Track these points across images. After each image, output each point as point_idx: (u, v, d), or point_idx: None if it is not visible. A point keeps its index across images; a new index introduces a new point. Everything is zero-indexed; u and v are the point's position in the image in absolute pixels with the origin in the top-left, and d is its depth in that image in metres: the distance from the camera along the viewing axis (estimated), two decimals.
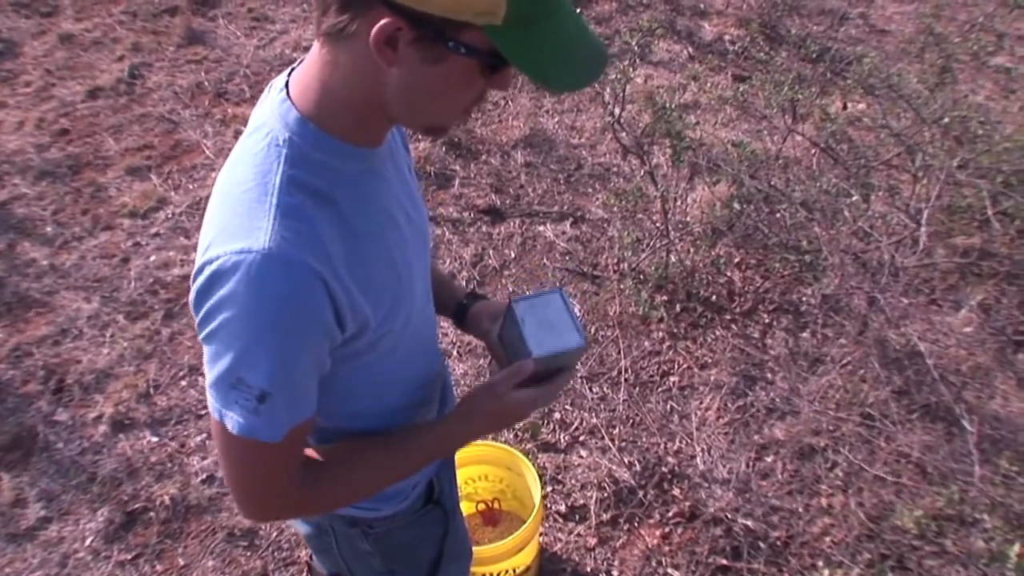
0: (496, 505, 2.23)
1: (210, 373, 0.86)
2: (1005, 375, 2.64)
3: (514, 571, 1.98)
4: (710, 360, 2.75)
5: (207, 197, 0.90)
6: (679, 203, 3.22)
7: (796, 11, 4.79)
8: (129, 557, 2.25)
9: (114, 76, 4.17)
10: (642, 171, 3.36)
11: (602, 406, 2.62)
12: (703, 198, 3.26)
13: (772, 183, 3.02)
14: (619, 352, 2.77)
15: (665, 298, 2.94)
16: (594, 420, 2.57)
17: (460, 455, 2.06)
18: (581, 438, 2.53)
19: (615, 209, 3.27)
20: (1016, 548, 2.01)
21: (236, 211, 0.84)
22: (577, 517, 2.33)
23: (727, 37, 4.56)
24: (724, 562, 2.19)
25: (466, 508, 2.19)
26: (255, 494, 0.95)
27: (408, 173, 1.08)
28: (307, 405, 0.91)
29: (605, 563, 2.22)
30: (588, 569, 2.21)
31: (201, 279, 0.83)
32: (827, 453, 2.44)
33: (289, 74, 0.90)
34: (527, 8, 0.75)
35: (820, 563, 2.17)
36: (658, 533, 2.26)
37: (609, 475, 2.40)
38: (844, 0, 4.89)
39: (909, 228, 2.83)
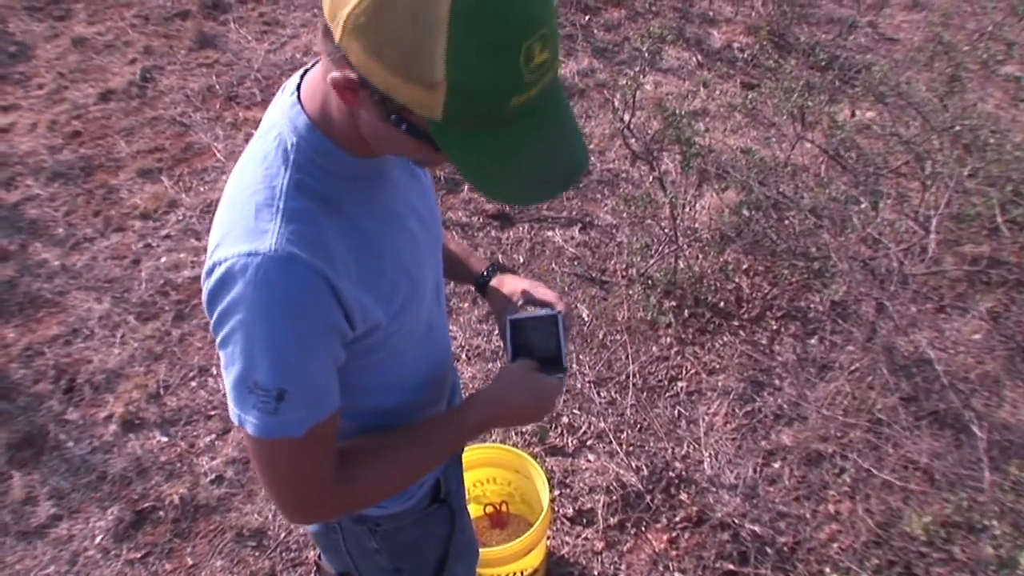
0: (504, 508, 2.23)
1: (228, 379, 0.88)
2: (1014, 383, 2.63)
3: (521, 574, 1.98)
4: (718, 366, 2.76)
5: (217, 200, 0.92)
6: (688, 209, 3.23)
7: (805, 19, 4.80)
8: (138, 556, 2.26)
9: (126, 79, 4.20)
10: (651, 177, 3.36)
11: (610, 410, 2.62)
12: (712, 204, 3.27)
13: (781, 190, 3.02)
14: (627, 357, 2.77)
15: (673, 304, 2.94)
16: (602, 424, 2.57)
17: (468, 457, 2.07)
18: (589, 442, 2.53)
19: (624, 215, 3.28)
20: None
21: (244, 213, 0.86)
22: (584, 521, 2.33)
23: (736, 45, 4.58)
24: (731, 567, 2.19)
25: (474, 511, 2.19)
26: (291, 496, 0.96)
27: (422, 174, 1.09)
28: (328, 402, 0.92)
29: (612, 567, 2.22)
30: (595, 573, 2.21)
31: (211, 281, 0.85)
32: (835, 459, 2.44)
33: (302, 76, 0.91)
34: (470, 116, 0.73)
35: (827, 569, 2.16)
36: (665, 538, 2.27)
37: (617, 479, 2.40)
38: (853, 8, 4.90)
39: (918, 236, 2.82)
